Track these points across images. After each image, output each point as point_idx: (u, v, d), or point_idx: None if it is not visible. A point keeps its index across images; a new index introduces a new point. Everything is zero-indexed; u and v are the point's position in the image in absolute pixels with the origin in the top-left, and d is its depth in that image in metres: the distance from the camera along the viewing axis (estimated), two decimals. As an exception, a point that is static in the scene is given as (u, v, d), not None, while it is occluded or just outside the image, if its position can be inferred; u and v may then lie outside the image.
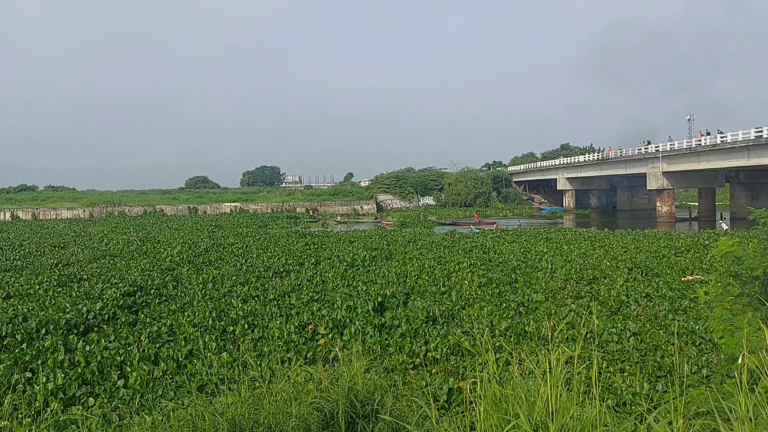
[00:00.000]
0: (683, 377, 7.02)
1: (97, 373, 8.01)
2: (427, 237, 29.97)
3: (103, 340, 9.49)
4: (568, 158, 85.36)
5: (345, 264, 18.53)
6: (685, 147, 55.69)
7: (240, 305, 12.21)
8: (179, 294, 13.96)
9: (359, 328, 9.95)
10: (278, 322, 10.59)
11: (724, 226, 40.86)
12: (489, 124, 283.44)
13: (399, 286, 14.08)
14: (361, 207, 79.70)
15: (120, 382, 7.62)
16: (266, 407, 4.90)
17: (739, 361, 2.79)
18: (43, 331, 10.16)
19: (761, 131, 45.17)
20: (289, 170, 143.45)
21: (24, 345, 9.19)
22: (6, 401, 6.76)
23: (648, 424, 2.85)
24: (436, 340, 9.22)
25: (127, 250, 24.50)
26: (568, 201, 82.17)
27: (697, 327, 9.48)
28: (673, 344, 8.69)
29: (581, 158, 79.95)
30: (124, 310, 12.19)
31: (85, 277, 17.15)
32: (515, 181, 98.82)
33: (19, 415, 6.57)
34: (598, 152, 78.64)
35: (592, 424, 2.97)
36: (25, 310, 11.86)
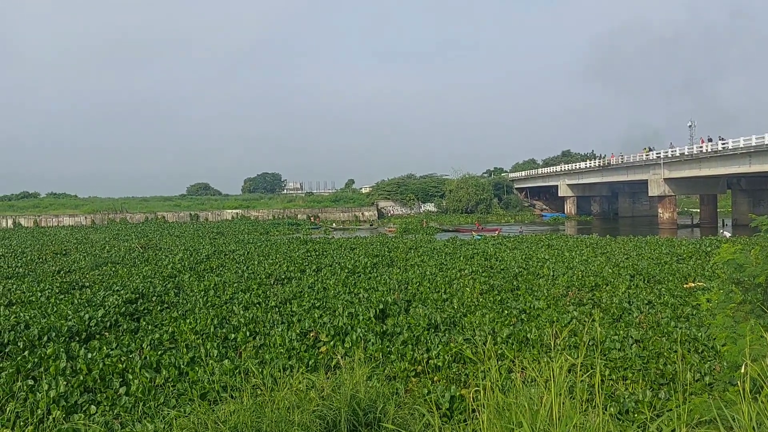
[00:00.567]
0: (686, 385, 7.00)
1: (99, 381, 7.99)
2: (428, 244, 29.96)
3: (105, 348, 9.48)
4: (570, 165, 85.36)
5: (346, 271, 18.52)
6: (686, 153, 55.70)
7: (241, 312, 12.20)
8: (181, 301, 13.96)
9: (361, 335, 9.93)
10: (280, 330, 10.58)
11: (727, 234, 40.81)
12: (490, 131, 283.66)
13: (400, 293, 14.06)
14: (362, 213, 79.76)
15: (122, 390, 7.60)
16: (268, 415, 4.90)
17: (742, 369, 2.79)
18: (45, 338, 10.15)
19: (762, 137, 45.16)
20: (290, 177, 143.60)
21: (26, 352, 9.18)
22: (8, 409, 6.77)
23: (651, 432, 2.84)
24: (438, 347, 9.19)
25: (128, 257, 24.52)
26: (570, 207, 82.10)
27: (699, 334, 9.46)
28: (675, 352, 8.66)
29: (583, 165, 79.94)
30: (126, 318, 12.19)
31: (87, 284, 17.16)
32: (516, 188, 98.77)
33: (22, 423, 6.58)
34: (600, 159, 78.69)
35: (595, 432, 2.97)
36: (27, 317, 11.87)
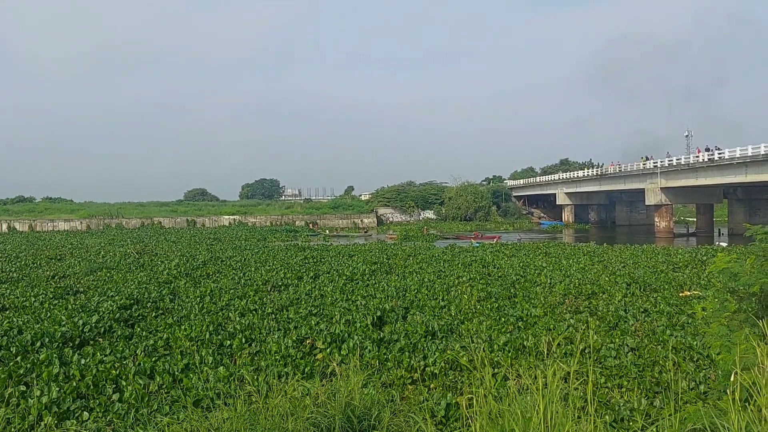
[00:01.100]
0: (680, 393, 6.99)
1: (92, 387, 7.95)
2: (427, 251, 29.96)
3: (98, 354, 9.43)
4: (568, 173, 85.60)
5: (344, 278, 18.49)
6: (683, 163, 55.93)
7: (237, 319, 12.17)
8: (176, 307, 13.91)
9: (357, 342, 9.90)
10: (276, 337, 10.55)
11: (723, 243, 40.86)
12: (489, 139, 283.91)
13: (398, 300, 14.04)
14: (362, 220, 79.76)
15: (115, 396, 7.56)
16: (262, 422, 4.87)
17: (732, 378, 2.79)
18: (38, 344, 10.10)
19: (758, 148, 45.36)
20: (288, 183, 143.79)
21: (18, 358, 9.13)
22: None
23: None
24: (434, 354, 9.17)
25: (124, 263, 24.45)
26: (567, 216, 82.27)
27: (694, 343, 9.46)
28: (670, 360, 8.66)
29: (580, 173, 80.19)
30: (121, 324, 12.14)
31: (82, 289, 17.10)
32: (515, 196, 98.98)
33: (13, 430, 6.53)
34: (598, 168, 78.91)
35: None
36: (21, 322, 11.82)
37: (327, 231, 65.53)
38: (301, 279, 18.78)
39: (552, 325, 11.29)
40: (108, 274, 20.43)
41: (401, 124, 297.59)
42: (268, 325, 11.71)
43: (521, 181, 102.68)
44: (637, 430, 4.85)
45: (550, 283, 16.79)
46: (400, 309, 13.10)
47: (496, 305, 13.58)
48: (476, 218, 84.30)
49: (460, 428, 5.06)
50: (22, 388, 7.70)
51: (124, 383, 8.05)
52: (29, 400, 7.18)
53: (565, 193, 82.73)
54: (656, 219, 60.42)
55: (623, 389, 7.82)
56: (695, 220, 67.69)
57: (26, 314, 12.97)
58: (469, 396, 3.97)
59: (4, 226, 68.19)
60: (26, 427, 6.57)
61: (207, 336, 10.66)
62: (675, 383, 7.55)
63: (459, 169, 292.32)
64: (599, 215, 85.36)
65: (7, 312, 13.61)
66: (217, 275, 20.30)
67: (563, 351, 9.18)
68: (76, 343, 10.67)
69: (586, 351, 8.97)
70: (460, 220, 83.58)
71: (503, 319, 12.04)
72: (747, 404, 2.72)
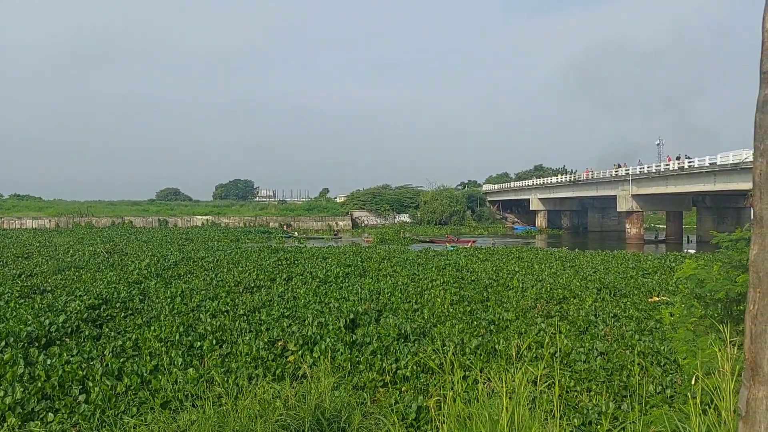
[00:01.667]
0: (647, 397, 7.10)
1: (57, 388, 7.79)
2: (401, 254, 29.99)
3: (65, 354, 9.25)
4: (541, 179, 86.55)
5: (317, 280, 18.42)
6: (654, 171, 56.97)
7: (208, 320, 12.03)
8: (146, 308, 13.71)
9: (330, 344, 9.87)
10: (247, 338, 10.46)
11: (691, 250, 41.68)
12: (465, 143, 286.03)
13: (371, 303, 14.03)
14: (336, 223, 79.56)
15: (81, 397, 7.42)
16: (231, 424, 4.83)
17: (692, 382, 2.84)
18: (3, 343, 9.85)
19: (727, 157, 46.40)
20: (263, 184, 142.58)
21: (-18, 358, 8.90)
22: (-40, 416, 6.54)
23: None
24: (406, 357, 9.19)
25: (93, 262, 24.01)
26: (541, 221, 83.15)
27: (662, 347, 9.61)
28: (638, 364, 8.79)
29: (554, 179, 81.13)
30: (88, 324, 11.91)
31: (49, 288, 16.74)
32: (489, 201, 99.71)
33: (-26, 431, 6.37)
34: (571, 174, 79.95)
35: (554, 442, 2.99)
36: (-15, 322, 11.52)
37: (296, 233, 64.80)
38: (274, 281, 18.66)
39: (523, 329, 11.39)
40: (76, 274, 20.03)
41: (378, 127, 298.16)
42: (239, 326, 11.60)
43: (496, 186, 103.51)
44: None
45: (523, 288, 16.94)
46: (373, 312, 13.09)
47: (469, 309, 13.65)
48: (451, 222, 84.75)
49: (430, 431, 5.07)
50: (-15, 388, 7.51)
51: (90, 384, 7.89)
52: (-8, 400, 7.01)
53: (539, 198, 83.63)
54: (627, 225, 61.43)
55: (592, 393, 7.91)
56: (665, 227, 68.95)
57: (-10, 313, 12.64)
58: (437, 398, 3.99)
59: (-31, 223, 66.50)
60: (-13, 428, 6.41)
61: (177, 337, 10.53)
62: (642, 387, 7.68)
63: (435, 173, 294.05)
64: (572, 221, 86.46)
65: (-30, 311, 13.25)
66: (189, 276, 20.05)
67: (534, 355, 9.26)
68: (42, 343, 10.44)
69: (556, 355, 9.07)
70: (435, 224, 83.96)
71: (475, 322, 12.11)
72: (708, 408, 2.77)
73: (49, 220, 70.45)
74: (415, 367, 8.72)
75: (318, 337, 10.51)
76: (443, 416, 3.40)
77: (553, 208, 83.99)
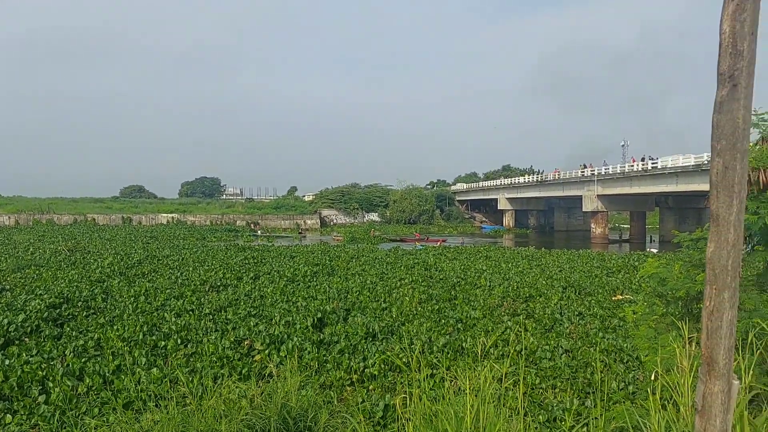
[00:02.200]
0: (610, 393, 7.24)
1: (16, 389, 7.59)
2: (370, 253, 29.98)
3: (24, 354, 9.01)
4: (509, 179, 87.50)
5: (285, 279, 18.29)
6: (618, 172, 58.09)
7: (173, 319, 11.84)
8: (109, 307, 13.44)
9: (297, 343, 9.81)
10: (213, 338, 10.33)
11: (654, 249, 42.63)
12: (435, 143, 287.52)
13: (340, 301, 14.00)
14: (305, 222, 79.10)
15: (41, 398, 7.24)
16: (195, 424, 4.76)
17: (652, 378, 2.90)
18: (-42, 344, 9.56)
19: (689, 158, 47.58)
20: (230, 182, 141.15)
21: (-65, 359, 8.61)
22: None
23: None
24: (374, 356, 9.19)
25: (54, 260, 23.43)
26: (508, 220, 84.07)
27: (625, 345, 9.80)
28: (602, 361, 8.96)
29: (521, 179, 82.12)
30: (49, 323, 11.61)
31: (8, 287, 16.27)
32: (458, 200, 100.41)
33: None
34: (538, 174, 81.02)
35: (518, 439, 3.02)
36: (-61, 321, 11.14)
37: (260, 231, 63.81)
38: (241, 279, 18.47)
39: (490, 327, 11.50)
40: (37, 272, 19.51)
41: (347, 126, 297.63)
42: (205, 325, 11.46)
43: (465, 186, 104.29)
44: (565, 430, 4.98)
45: (490, 286, 17.10)
46: (341, 311, 13.06)
47: (437, 307, 13.72)
48: (420, 221, 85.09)
49: (398, 429, 5.07)
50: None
51: (51, 385, 7.71)
52: (-55, 403, 6.79)
53: (507, 198, 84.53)
54: (592, 225, 62.54)
55: (557, 390, 8.03)
56: (629, 226, 70.37)
57: (-56, 313, 12.23)
58: (404, 396, 3.99)
59: (-76, 220, 64.28)
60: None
61: (140, 336, 10.35)
62: (605, 384, 7.82)
63: (404, 172, 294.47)
64: (538, 220, 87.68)
65: (-77, 310, 12.80)
66: (153, 274, 19.71)
67: (500, 352, 9.36)
68: (1, 343, 10.16)
69: (522, 353, 9.17)
70: (404, 223, 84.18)
71: (443, 320, 12.17)
72: (667, 403, 2.83)
73: (9, 217, 68.49)
74: (382, 366, 8.73)
75: (285, 336, 10.44)
76: (410, 414, 3.41)
77: (521, 207, 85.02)
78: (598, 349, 9.67)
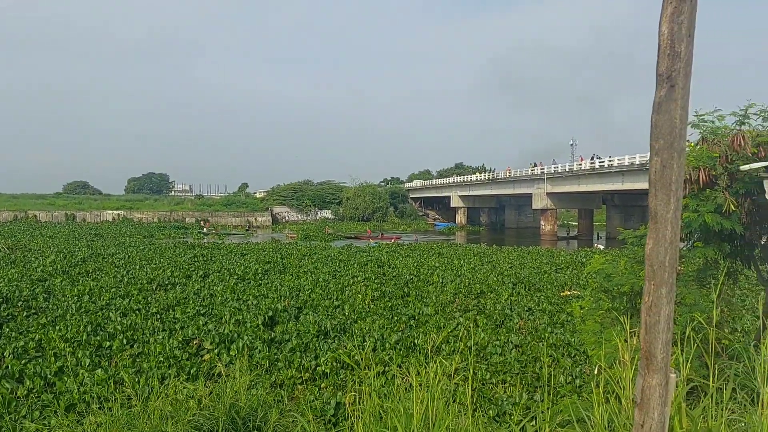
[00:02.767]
0: (558, 387, 7.40)
1: (-51, 394, 7.23)
2: (323, 251, 29.85)
3: (-43, 357, 8.60)
4: (462, 177, 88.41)
5: (235, 277, 18.03)
6: (567, 170, 59.46)
7: (119, 319, 11.52)
8: (51, 306, 12.96)
9: (247, 342, 9.69)
10: (160, 337, 10.11)
11: (601, 246, 43.85)
12: (389, 141, 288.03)
13: (291, 300, 13.89)
14: (256, 219, 78.07)
15: (-24, 403, 6.92)
16: (140, 426, 4.63)
17: (595, 371, 2.98)
18: None
19: (634, 158, 49.07)
20: (179, 178, 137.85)
21: None
22: None
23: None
24: (326, 354, 9.16)
25: (-8, 259, 22.45)
26: (461, 218, 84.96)
27: (572, 339, 10.06)
28: (550, 356, 9.16)
29: (473, 177, 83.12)
30: (-14, 325, 11.12)
31: (-59, 287, 15.50)
32: (412, 197, 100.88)
33: None
34: (490, 172, 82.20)
35: (466, 434, 3.05)
36: None
37: (205, 229, 62.19)
38: (190, 278, 18.12)
39: (442, 323, 11.61)
40: (-28, 271, 18.66)
41: (300, 123, 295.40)
42: (152, 325, 11.20)
43: (418, 183, 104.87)
44: (514, 424, 5.06)
45: (442, 283, 17.27)
46: (293, 309, 12.97)
47: (390, 304, 13.77)
48: (374, 219, 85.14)
49: (349, 427, 5.06)
50: None
51: (-13, 388, 7.37)
52: None
53: (459, 196, 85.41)
54: (542, 222, 63.83)
55: (507, 384, 8.17)
56: (577, 224, 72.15)
57: None
58: (353, 394, 3.98)
59: None
60: None
61: (84, 337, 10.04)
62: (553, 378, 8.00)
63: (358, 169, 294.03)
64: (490, 218, 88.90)
65: None
66: (98, 273, 19.13)
67: (452, 348, 9.46)
68: (-68, 346, 9.66)
69: (473, 348, 9.30)
70: (357, 220, 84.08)
71: (396, 317, 12.23)
72: (610, 397, 2.91)
73: (-58, 214, 65.27)
74: (334, 364, 8.71)
75: (235, 335, 10.30)
76: (360, 412, 3.40)
77: (473, 205, 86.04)
78: (546, 344, 9.89)
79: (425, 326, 11.55)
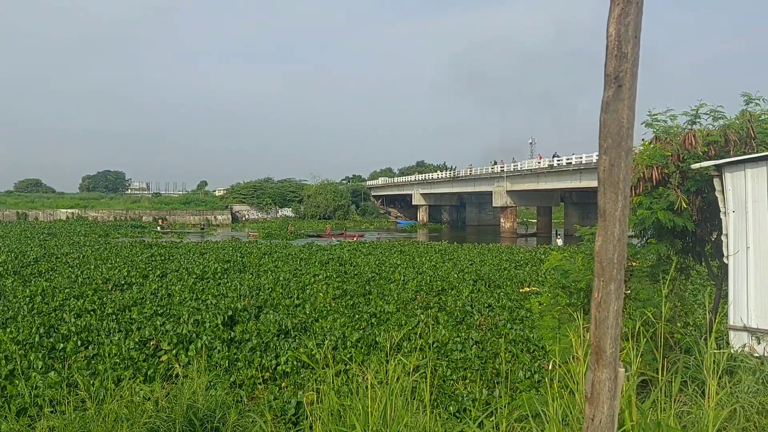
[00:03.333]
0: (517, 382, 7.52)
1: None
2: (284, 249, 29.62)
3: None
4: (423, 175, 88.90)
5: (194, 277, 17.75)
6: (526, 168, 60.39)
7: (73, 320, 11.21)
8: (2, 308, 12.54)
9: (206, 342, 9.56)
10: (116, 338, 9.88)
11: (559, 243, 44.67)
12: (350, 139, 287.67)
13: (251, 299, 13.74)
14: (215, 217, 76.91)
15: None
16: (94, 430, 4.53)
17: (549, 367, 3.04)
18: None
19: (591, 156, 50.11)
20: (135, 176, 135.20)
21: None
22: None
23: (474, 428, 3.00)
24: (287, 353, 9.10)
25: (-62, 260, 21.56)
26: (422, 216, 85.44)
27: (531, 335, 10.23)
28: (510, 352, 9.30)
29: (435, 175, 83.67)
30: (-70, 328, 10.68)
31: None
32: (374, 195, 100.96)
33: None
34: (451, 170, 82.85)
35: (424, 430, 3.07)
36: None
37: (159, 228, 60.82)
38: (147, 278, 17.76)
39: (404, 321, 11.66)
40: None
41: (259, 120, 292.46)
42: (107, 326, 10.94)
43: (380, 181, 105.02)
44: (472, 420, 5.12)
45: (404, 280, 17.34)
46: (253, 308, 12.84)
47: (351, 303, 13.76)
48: (336, 217, 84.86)
49: (307, 427, 5.04)
50: None
51: (-70, 395, 7.09)
52: None
53: (421, 194, 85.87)
54: (502, 220, 64.68)
55: (467, 380, 8.26)
56: (536, 221, 73.35)
57: None
58: (312, 393, 3.97)
59: None
60: None
61: (37, 339, 9.75)
62: (512, 373, 8.12)
63: (319, 167, 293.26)
64: (451, 215, 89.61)
65: None
66: (51, 273, 18.58)
67: (413, 346, 9.51)
68: None
69: (434, 345, 9.37)
70: (319, 218, 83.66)
71: (357, 316, 12.22)
72: (564, 391, 2.98)
73: None
74: (295, 363, 8.66)
75: (194, 335, 10.15)
76: (318, 411, 3.39)
77: (434, 203, 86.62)
78: (506, 340, 10.04)
79: (386, 324, 11.58)
